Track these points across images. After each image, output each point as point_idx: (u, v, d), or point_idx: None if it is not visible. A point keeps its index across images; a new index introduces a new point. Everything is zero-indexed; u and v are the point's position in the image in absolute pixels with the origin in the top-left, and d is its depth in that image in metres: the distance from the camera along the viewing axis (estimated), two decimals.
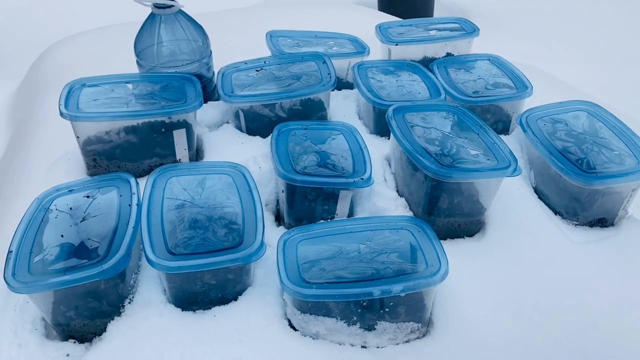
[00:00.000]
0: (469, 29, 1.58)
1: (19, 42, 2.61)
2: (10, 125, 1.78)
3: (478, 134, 1.10)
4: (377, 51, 1.62)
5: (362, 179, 1.03)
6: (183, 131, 1.14)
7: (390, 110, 1.14)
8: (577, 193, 1.08)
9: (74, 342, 0.89)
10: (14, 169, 1.32)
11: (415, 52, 1.56)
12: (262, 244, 0.89)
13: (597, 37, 2.53)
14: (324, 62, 1.34)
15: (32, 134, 1.40)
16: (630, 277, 1.02)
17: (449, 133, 1.10)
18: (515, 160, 1.01)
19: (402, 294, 0.86)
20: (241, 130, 1.30)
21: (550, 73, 1.78)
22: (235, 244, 0.89)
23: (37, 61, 1.98)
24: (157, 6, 1.25)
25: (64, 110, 1.07)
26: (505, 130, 1.36)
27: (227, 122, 1.33)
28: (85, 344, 0.89)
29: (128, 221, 0.91)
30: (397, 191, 1.15)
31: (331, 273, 0.88)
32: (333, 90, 1.30)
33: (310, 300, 0.85)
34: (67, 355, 0.86)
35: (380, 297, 0.86)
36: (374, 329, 0.89)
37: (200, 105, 1.13)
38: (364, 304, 0.87)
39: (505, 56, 1.51)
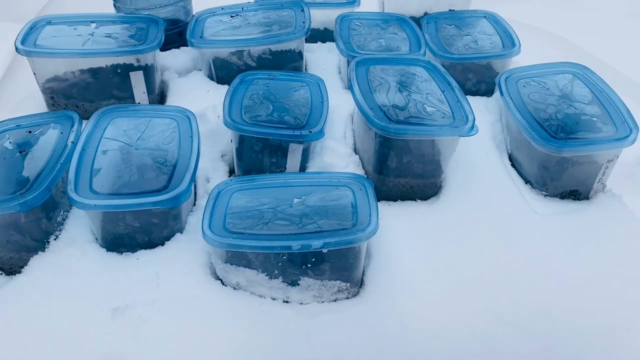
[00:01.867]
0: None
1: None
2: None
3: (443, 91, 1.03)
4: (374, 3, 1.54)
5: (310, 132, 0.99)
6: (140, 73, 1.11)
7: (352, 62, 1.08)
8: (545, 160, 1.00)
9: (1, 274, 0.90)
10: None
11: (409, 5, 1.47)
12: (187, 189, 0.86)
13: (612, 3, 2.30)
14: (302, 9, 1.28)
15: (14, 73, 1.41)
16: (590, 253, 0.94)
17: (411, 88, 1.03)
18: (474, 119, 0.94)
19: (324, 250, 0.82)
20: (212, 79, 1.26)
21: (564, 36, 1.65)
22: (161, 188, 0.87)
23: (44, 8, 2.00)
24: None
25: (19, 46, 1.06)
26: (489, 91, 1.27)
27: (199, 70, 1.30)
28: (11, 276, 0.89)
29: (59, 158, 0.90)
30: (355, 149, 1.09)
31: (257, 225, 0.85)
32: (314, 39, 1.24)
33: (227, 249, 0.83)
34: None
35: (302, 252, 0.82)
36: (297, 284, 0.86)
37: (157, 47, 1.10)
38: (284, 257, 0.83)
39: (514, 17, 1.40)
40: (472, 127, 0.93)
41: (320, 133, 1.00)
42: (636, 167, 1.23)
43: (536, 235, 0.96)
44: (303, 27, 1.21)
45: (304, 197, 0.90)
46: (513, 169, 1.10)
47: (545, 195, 1.04)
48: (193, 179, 0.88)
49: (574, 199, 1.05)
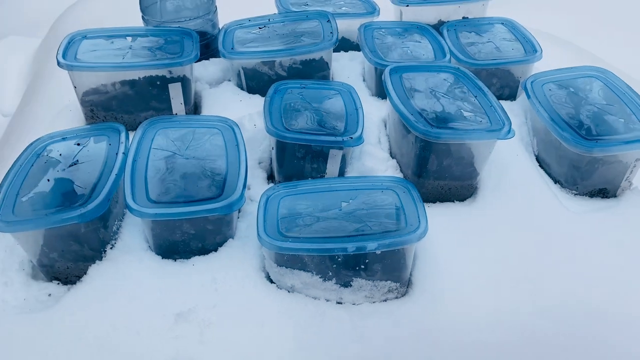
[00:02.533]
0: None
1: (43, 2, 2.65)
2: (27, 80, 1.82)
3: (476, 96, 1.07)
4: (390, 13, 1.58)
5: (351, 137, 1.02)
6: (179, 85, 1.14)
7: (386, 70, 1.12)
8: (576, 161, 1.04)
9: (58, 284, 0.92)
10: (24, 118, 1.36)
11: (427, 14, 1.51)
12: (241, 196, 0.89)
13: (619, 8, 2.39)
14: (328, 20, 1.32)
15: (42, 87, 1.43)
16: (625, 249, 0.98)
17: (445, 94, 1.07)
18: (510, 122, 0.98)
19: (378, 252, 0.85)
20: (242, 89, 1.29)
21: (573, 42, 1.70)
22: (216, 195, 0.89)
23: (58, 20, 2.02)
24: None
25: (61, 60, 1.09)
26: (512, 96, 1.32)
27: (229, 80, 1.33)
28: (69, 285, 0.91)
29: (112, 169, 0.92)
30: (390, 153, 1.13)
31: (310, 228, 0.88)
32: (338, 50, 1.27)
33: (285, 253, 0.85)
34: (49, 295, 0.89)
35: (355, 254, 0.85)
36: (350, 285, 0.89)
37: (196, 59, 1.13)
38: (339, 259, 0.86)
39: (530, 25, 1.45)
40: (509, 130, 0.97)
41: (360, 139, 1.03)
42: None
43: (572, 232, 1.00)
44: (331, 38, 1.25)
45: (350, 200, 0.93)
46: (542, 169, 1.14)
47: (575, 194, 1.08)
48: (245, 185, 0.91)
49: (602, 197, 1.09)
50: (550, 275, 0.95)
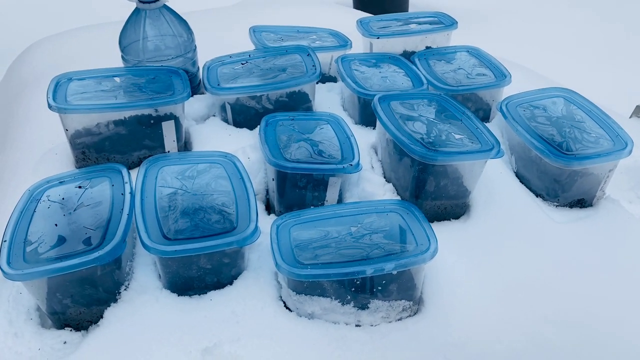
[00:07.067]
0: (447, 22, 1.62)
1: None
2: None
3: (461, 120, 1.13)
4: (359, 46, 1.65)
5: (351, 164, 1.06)
6: (172, 123, 1.15)
7: (375, 99, 1.17)
8: (557, 175, 1.12)
9: (70, 330, 0.89)
10: (3, 166, 1.31)
11: (395, 45, 1.60)
12: (256, 227, 0.90)
13: (573, 35, 2.62)
14: (308, 54, 1.36)
15: (17, 131, 1.39)
16: (610, 253, 1.06)
17: (433, 119, 1.13)
18: (498, 143, 1.05)
19: (394, 272, 0.89)
20: (228, 123, 1.31)
21: (527, 66, 1.83)
22: (230, 229, 0.91)
23: (15, 62, 1.96)
24: (142, 1, 1.26)
25: (52, 103, 1.07)
26: (486, 118, 1.40)
27: (214, 115, 1.34)
28: (82, 331, 0.89)
29: (122, 209, 0.91)
30: (385, 177, 1.17)
31: (324, 255, 0.90)
32: (318, 82, 1.32)
33: (305, 280, 0.87)
34: (65, 342, 0.86)
35: (372, 276, 0.88)
36: (367, 307, 0.92)
37: (188, 97, 1.15)
38: (357, 282, 0.89)
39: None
40: (499, 150, 1.04)
41: (359, 165, 1.07)
42: (619, 175, 1.38)
43: (560, 241, 1.08)
44: (315, 71, 1.29)
45: (359, 225, 0.97)
46: (522, 185, 1.21)
47: (556, 206, 1.16)
48: (257, 217, 0.93)
49: (581, 207, 1.17)
50: (548, 282, 1.01)
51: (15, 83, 1.75)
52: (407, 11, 3.84)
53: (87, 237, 0.87)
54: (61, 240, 0.87)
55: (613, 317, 0.99)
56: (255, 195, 0.97)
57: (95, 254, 0.83)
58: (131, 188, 0.96)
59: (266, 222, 1.07)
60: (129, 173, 1.00)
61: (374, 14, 1.88)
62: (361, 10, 3.05)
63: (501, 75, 1.37)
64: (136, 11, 1.29)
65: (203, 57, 1.41)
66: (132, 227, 0.93)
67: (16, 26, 2.98)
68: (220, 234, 0.89)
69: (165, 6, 1.30)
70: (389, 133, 1.08)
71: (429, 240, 0.92)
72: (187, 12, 1.93)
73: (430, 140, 1.06)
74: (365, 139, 1.28)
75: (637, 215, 1.20)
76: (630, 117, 1.82)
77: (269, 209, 1.18)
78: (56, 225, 0.89)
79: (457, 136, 1.08)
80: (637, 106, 1.85)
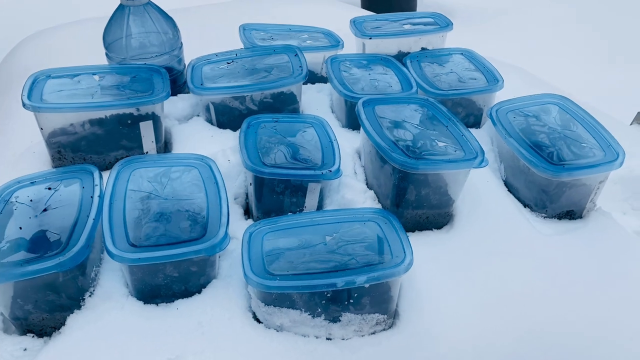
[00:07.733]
0: (442, 24, 1.58)
1: None
2: None
3: (447, 126, 1.10)
4: (353, 45, 1.61)
5: (330, 171, 1.03)
6: (150, 123, 1.12)
7: (359, 102, 1.14)
8: (545, 185, 1.08)
9: (32, 337, 0.87)
10: None
11: (389, 46, 1.56)
12: (225, 235, 0.88)
13: (575, 37, 2.57)
14: (296, 54, 1.33)
15: None
16: (598, 267, 1.03)
17: (418, 125, 1.10)
18: (483, 151, 1.01)
19: (366, 285, 0.85)
20: (212, 124, 1.28)
21: (529, 70, 1.79)
22: (199, 236, 0.88)
23: (7, 58, 1.94)
24: None
25: (26, 101, 1.05)
26: (476, 123, 1.36)
27: (198, 115, 1.32)
28: (44, 338, 0.87)
29: (89, 213, 0.89)
30: (367, 184, 1.14)
31: (296, 265, 0.87)
32: (305, 83, 1.29)
33: (274, 292, 0.84)
34: (25, 349, 0.84)
35: (344, 289, 0.85)
36: (339, 320, 0.88)
37: (167, 97, 1.12)
38: (328, 295, 0.86)
39: (483, 53, 1.51)
40: (483, 159, 1.00)
41: (339, 172, 1.04)
42: (613, 185, 1.34)
43: (545, 254, 1.04)
44: (301, 72, 1.26)
45: (334, 234, 0.93)
46: (510, 194, 1.17)
47: (544, 217, 1.12)
48: (228, 224, 0.90)
49: (570, 219, 1.13)
50: (531, 298, 0.97)
51: (5, 79, 1.73)
52: (415, 10, 3.79)
53: (52, 241, 0.85)
54: (25, 244, 0.85)
55: (599, 334, 0.95)
56: (228, 201, 0.95)
57: (57, 260, 0.80)
58: (101, 191, 0.94)
59: (244, 227, 1.03)
60: (100, 175, 0.98)
61: (382, 12, 1.85)
62: (369, 9, 3.02)
63: (493, 80, 1.33)
64: (120, 7, 1.26)
65: (193, 55, 1.38)
66: (98, 232, 0.90)
67: (11, 21, 2.97)
68: (187, 241, 0.87)
69: (149, 2, 1.28)
70: (369, 139, 1.05)
71: (404, 252, 0.88)
72: (184, 8, 1.92)
73: (412, 148, 1.02)
74: (351, 143, 1.25)
75: (630, 228, 1.16)
76: (630, 124, 1.78)
77: (249, 213, 1.15)
78: (20, 228, 0.87)
79: (441, 143, 1.04)
80: (639, 113, 1.80)
